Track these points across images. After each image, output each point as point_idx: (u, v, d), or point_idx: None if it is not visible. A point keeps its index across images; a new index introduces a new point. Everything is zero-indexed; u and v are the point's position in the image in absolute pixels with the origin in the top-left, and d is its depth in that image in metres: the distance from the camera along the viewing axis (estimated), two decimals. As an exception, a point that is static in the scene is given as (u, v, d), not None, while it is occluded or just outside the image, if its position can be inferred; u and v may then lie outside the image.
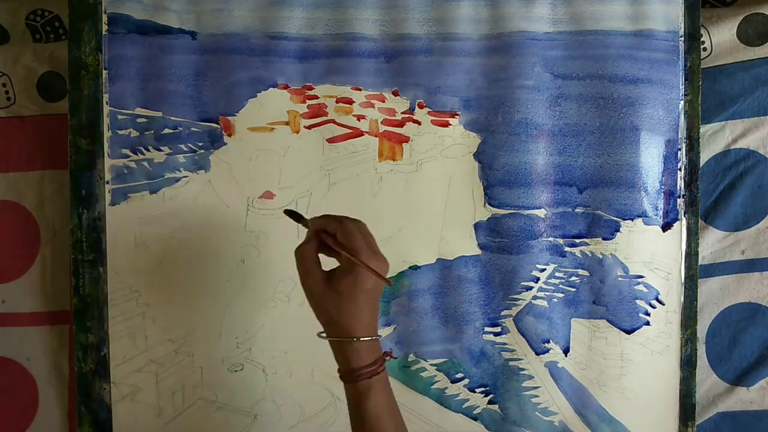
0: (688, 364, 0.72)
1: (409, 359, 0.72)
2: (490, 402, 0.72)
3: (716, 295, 0.75)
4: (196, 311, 0.71)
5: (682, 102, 0.71)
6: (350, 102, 0.71)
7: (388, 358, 0.55)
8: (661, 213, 0.71)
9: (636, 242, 0.71)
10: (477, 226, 0.71)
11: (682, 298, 0.72)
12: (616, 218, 0.71)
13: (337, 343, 0.54)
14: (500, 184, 0.71)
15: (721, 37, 0.73)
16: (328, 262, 0.55)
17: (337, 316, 0.53)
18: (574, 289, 0.72)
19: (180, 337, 0.70)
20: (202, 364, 0.71)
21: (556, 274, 0.72)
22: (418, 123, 0.71)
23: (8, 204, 0.74)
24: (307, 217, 0.57)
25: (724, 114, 0.74)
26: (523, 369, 0.72)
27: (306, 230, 0.56)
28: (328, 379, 0.71)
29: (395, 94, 0.71)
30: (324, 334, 0.55)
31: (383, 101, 0.71)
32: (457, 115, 0.71)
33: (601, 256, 0.71)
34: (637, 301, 0.71)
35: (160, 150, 0.70)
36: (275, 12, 0.71)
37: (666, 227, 0.71)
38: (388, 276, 0.53)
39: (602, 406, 0.72)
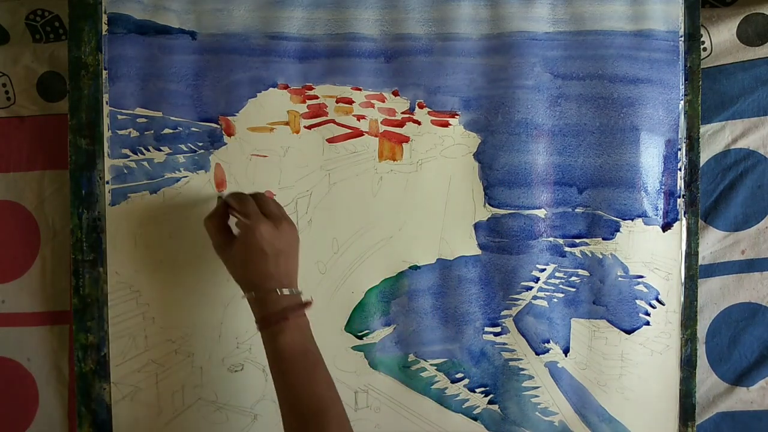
0: (688, 364, 0.72)
1: (409, 359, 0.72)
2: (490, 402, 0.72)
3: (716, 295, 0.75)
4: (196, 311, 0.71)
5: (682, 102, 0.71)
6: (350, 102, 0.71)
7: (307, 307, 0.60)
8: (661, 213, 0.71)
9: (636, 242, 0.71)
10: (477, 226, 0.71)
11: (682, 298, 0.72)
12: (616, 218, 0.71)
13: (250, 297, 0.60)
14: (500, 184, 0.71)
15: (721, 37, 0.73)
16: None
17: (242, 274, 0.61)
18: (574, 289, 0.72)
19: (180, 337, 0.70)
20: (202, 364, 0.71)
21: (556, 274, 0.72)
22: (418, 123, 0.71)
23: (8, 204, 0.74)
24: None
25: (724, 114, 0.74)
26: (523, 369, 0.72)
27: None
28: (328, 379, 0.71)
29: (395, 94, 0.71)
30: (244, 296, 0.61)
31: (383, 101, 0.71)
32: (457, 115, 0.71)
33: (601, 256, 0.71)
34: (637, 301, 0.71)
35: (160, 150, 0.70)
36: (275, 12, 0.71)
37: (666, 227, 0.71)
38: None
39: (602, 406, 0.72)
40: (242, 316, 0.71)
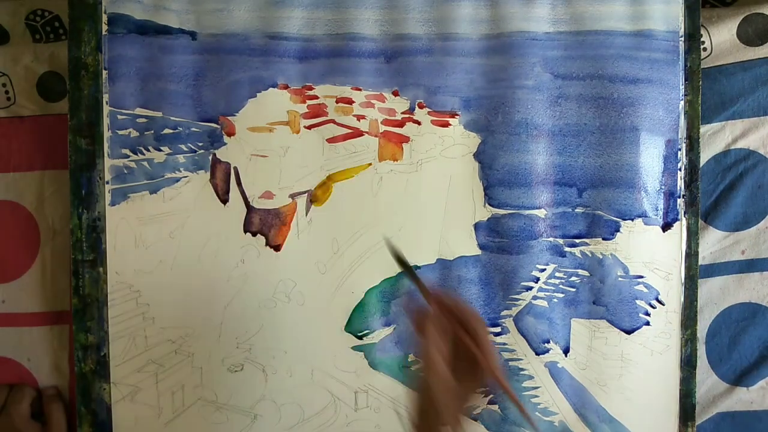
0: (688, 364, 0.72)
1: (409, 359, 0.72)
2: (490, 402, 0.72)
3: (716, 295, 0.75)
4: (196, 311, 0.71)
5: (682, 102, 0.71)
6: (350, 102, 0.71)
7: None
8: (661, 213, 0.71)
9: (636, 242, 0.71)
10: (477, 226, 0.71)
11: (682, 298, 0.72)
12: (616, 218, 0.71)
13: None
14: (500, 184, 0.71)
15: (721, 37, 0.73)
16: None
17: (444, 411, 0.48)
18: (574, 290, 0.72)
19: (180, 337, 0.70)
20: (202, 364, 0.71)
21: (556, 274, 0.72)
22: (418, 123, 0.71)
23: (8, 204, 0.74)
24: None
25: (724, 114, 0.74)
26: (523, 369, 0.72)
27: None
28: (328, 379, 0.71)
29: (395, 94, 0.71)
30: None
31: (383, 101, 0.71)
32: (457, 115, 0.71)
33: (601, 256, 0.71)
34: (637, 301, 0.71)
35: (160, 150, 0.70)
36: (275, 12, 0.71)
37: (666, 227, 0.71)
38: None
39: (602, 406, 0.72)
40: (242, 316, 0.71)
